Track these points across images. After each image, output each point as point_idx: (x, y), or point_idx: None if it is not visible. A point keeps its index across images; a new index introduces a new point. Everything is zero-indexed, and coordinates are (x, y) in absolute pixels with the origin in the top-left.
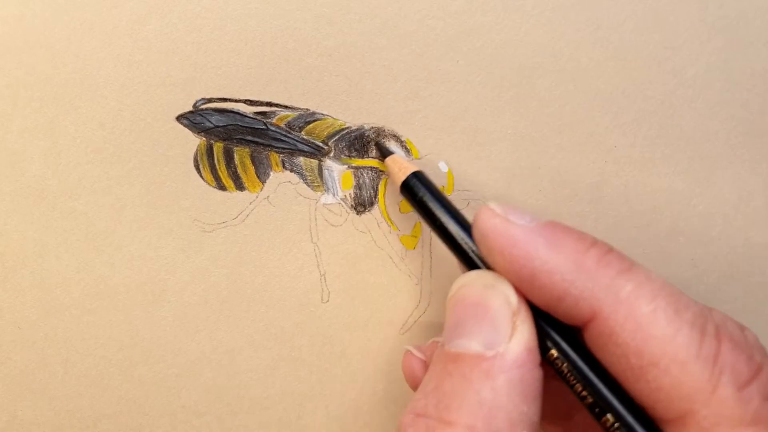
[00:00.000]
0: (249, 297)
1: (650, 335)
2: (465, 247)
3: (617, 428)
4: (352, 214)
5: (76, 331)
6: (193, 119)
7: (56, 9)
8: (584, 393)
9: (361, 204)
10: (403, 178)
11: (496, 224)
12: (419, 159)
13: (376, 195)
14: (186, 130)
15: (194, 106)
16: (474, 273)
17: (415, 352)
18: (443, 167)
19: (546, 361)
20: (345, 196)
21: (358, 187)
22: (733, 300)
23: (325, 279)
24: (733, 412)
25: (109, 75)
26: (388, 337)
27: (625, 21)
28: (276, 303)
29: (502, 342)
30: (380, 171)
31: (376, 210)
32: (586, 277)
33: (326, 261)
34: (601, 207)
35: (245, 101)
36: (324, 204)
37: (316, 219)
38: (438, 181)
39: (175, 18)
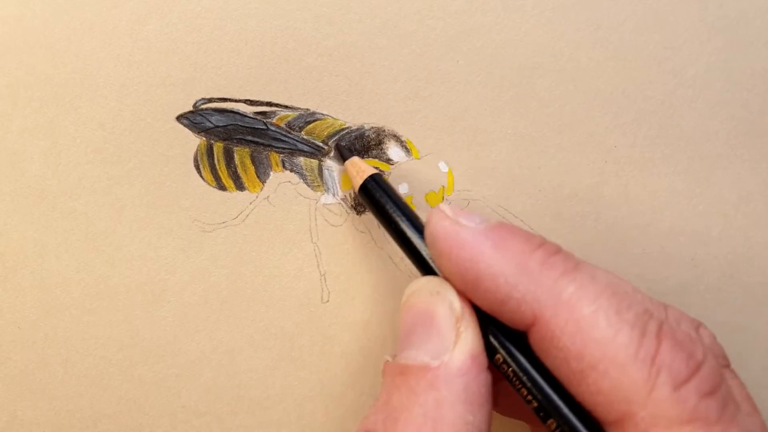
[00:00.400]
0: (249, 297)
1: (590, 338)
2: (420, 251)
3: None
4: (352, 214)
5: (76, 331)
6: (193, 119)
7: (56, 9)
8: (529, 397)
9: (361, 204)
10: (360, 181)
11: (446, 227)
12: (419, 159)
13: None
14: (186, 130)
15: (194, 106)
16: (423, 279)
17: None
18: (443, 167)
19: (494, 365)
20: (345, 196)
21: None
22: (733, 300)
23: (325, 279)
24: (669, 411)
25: (109, 75)
26: (388, 337)
27: (625, 21)
28: (276, 303)
29: (447, 351)
30: (380, 171)
31: None
32: (528, 279)
33: (326, 261)
34: (601, 207)
35: (245, 101)
36: (324, 204)
37: (316, 219)
38: (438, 181)
39: (175, 18)
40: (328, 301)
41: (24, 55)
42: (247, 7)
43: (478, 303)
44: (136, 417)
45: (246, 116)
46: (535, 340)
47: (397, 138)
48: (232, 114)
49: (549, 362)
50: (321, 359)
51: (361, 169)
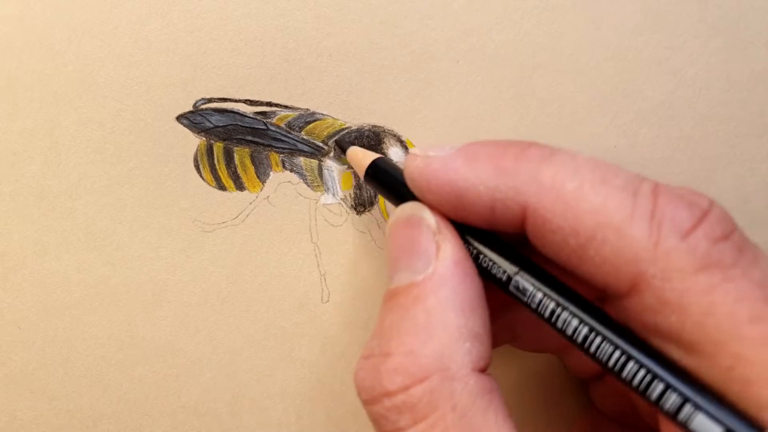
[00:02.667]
0: (249, 297)
1: (580, 211)
2: None
3: (565, 321)
4: (352, 214)
5: (76, 331)
6: (193, 119)
7: (56, 9)
8: (522, 297)
9: (361, 204)
10: (365, 165)
11: (417, 164)
12: None
13: (376, 195)
14: (186, 130)
15: (194, 106)
16: (399, 208)
17: None
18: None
19: (483, 274)
20: (345, 196)
21: (358, 187)
22: None
23: (325, 279)
24: (680, 262)
25: (109, 75)
26: None
27: (625, 21)
28: (276, 303)
29: (430, 264)
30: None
31: (376, 210)
32: (507, 177)
33: (326, 261)
34: None
35: (245, 101)
36: (324, 204)
37: (316, 219)
38: None
39: (175, 18)
40: (328, 301)
41: (24, 55)
42: (247, 7)
43: (473, 222)
44: (136, 417)
45: (246, 116)
46: (532, 235)
47: (397, 138)
48: (232, 114)
49: (551, 251)
50: (321, 359)
51: (364, 155)
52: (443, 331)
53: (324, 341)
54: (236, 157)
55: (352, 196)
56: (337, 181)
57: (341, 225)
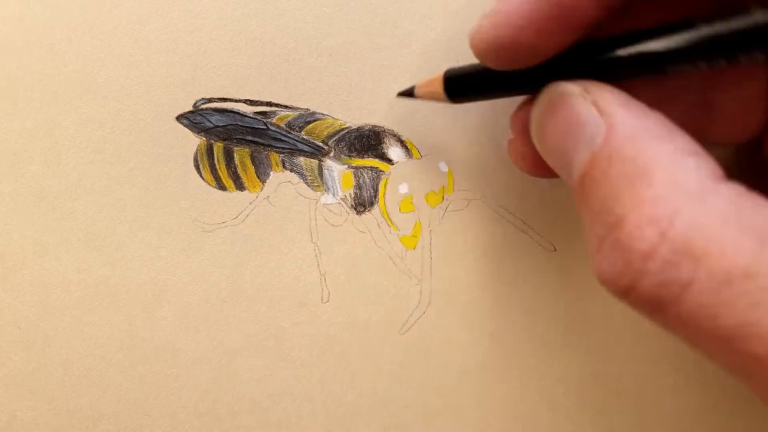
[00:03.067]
0: (249, 297)
1: None
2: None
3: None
4: (352, 214)
5: (76, 331)
6: (193, 119)
7: (56, 9)
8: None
9: (361, 204)
10: (441, 84)
11: (488, 30)
12: (419, 159)
13: (376, 195)
14: (186, 130)
15: (194, 106)
16: (538, 102)
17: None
18: (443, 167)
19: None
20: (345, 196)
21: (358, 187)
22: None
23: (325, 279)
24: None
25: (109, 75)
26: (388, 337)
27: None
28: (276, 303)
29: (600, 124)
30: (380, 171)
31: (376, 210)
32: None
33: (326, 261)
34: None
35: (245, 101)
36: (324, 204)
37: (316, 219)
38: (438, 181)
39: (175, 18)
40: (328, 301)
41: (24, 55)
42: (247, 7)
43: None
44: (136, 417)
45: (246, 116)
46: None
47: (397, 138)
48: (232, 114)
49: None
50: (321, 359)
51: (429, 81)
52: (660, 165)
53: (324, 341)
54: (236, 157)
55: (352, 196)
56: (337, 181)
57: (341, 225)
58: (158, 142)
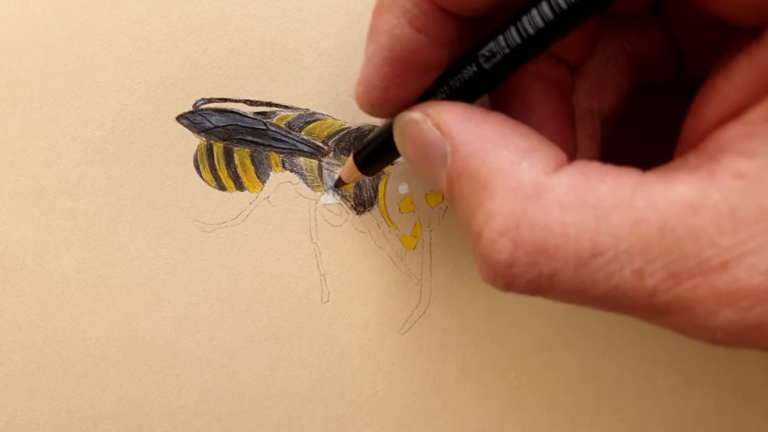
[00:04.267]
0: (249, 297)
1: None
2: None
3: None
4: (352, 214)
5: (76, 331)
6: (193, 119)
7: (56, 9)
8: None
9: (361, 204)
10: (354, 170)
11: (356, 96)
12: None
13: (376, 195)
14: (186, 130)
15: (194, 106)
16: (398, 121)
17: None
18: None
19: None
20: (345, 196)
21: (358, 187)
22: None
23: (325, 279)
24: None
25: (109, 75)
26: (388, 337)
27: None
28: (276, 303)
29: (445, 144)
30: (380, 171)
31: (376, 210)
32: None
33: (326, 261)
34: None
35: (245, 101)
36: (324, 204)
37: (316, 219)
38: None
39: (175, 18)
40: (328, 301)
41: (24, 55)
42: (247, 7)
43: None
44: (136, 417)
45: (246, 116)
46: None
47: None
48: (232, 114)
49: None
50: (321, 359)
51: (346, 169)
52: (498, 175)
53: (324, 341)
54: (236, 157)
55: (352, 196)
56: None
57: (341, 225)
58: (158, 142)
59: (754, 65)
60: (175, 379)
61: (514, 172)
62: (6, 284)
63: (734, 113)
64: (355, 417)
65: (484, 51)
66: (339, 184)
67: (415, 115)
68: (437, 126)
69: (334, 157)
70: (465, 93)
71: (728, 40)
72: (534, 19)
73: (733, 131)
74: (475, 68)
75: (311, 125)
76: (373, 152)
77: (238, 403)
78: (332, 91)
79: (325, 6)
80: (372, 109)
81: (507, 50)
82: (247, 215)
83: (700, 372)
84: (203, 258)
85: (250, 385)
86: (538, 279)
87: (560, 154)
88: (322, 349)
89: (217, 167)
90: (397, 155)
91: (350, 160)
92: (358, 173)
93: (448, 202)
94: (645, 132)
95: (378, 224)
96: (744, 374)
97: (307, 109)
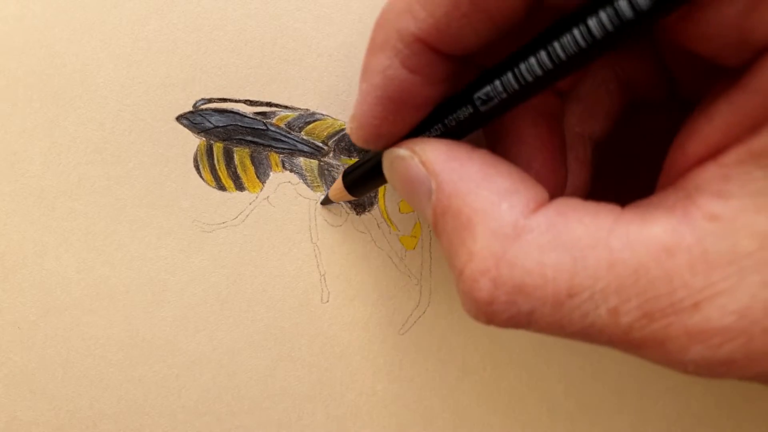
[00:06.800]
0: (249, 297)
1: None
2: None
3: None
4: (352, 214)
5: (76, 331)
6: (193, 119)
7: (56, 9)
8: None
9: (361, 204)
10: (343, 189)
11: (350, 130)
12: None
13: (376, 195)
14: (186, 130)
15: (194, 106)
16: (385, 160)
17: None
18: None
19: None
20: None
21: None
22: None
23: (325, 279)
24: None
25: (109, 75)
26: (388, 337)
27: None
28: (276, 303)
29: (430, 182)
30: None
31: (376, 210)
32: None
33: (326, 261)
34: None
35: (245, 101)
36: (323, 204)
37: (316, 219)
38: None
39: (175, 18)
40: (327, 301)
41: (24, 55)
42: (247, 7)
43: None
44: (136, 417)
45: (246, 116)
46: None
47: None
48: (232, 114)
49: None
50: (321, 359)
51: (335, 188)
52: (479, 216)
53: (324, 341)
54: (236, 157)
55: None
56: None
57: (341, 225)
58: (158, 142)
59: (732, 107)
60: (175, 379)
61: (495, 212)
62: (6, 284)
63: (712, 154)
64: (355, 417)
65: (481, 94)
66: (326, 201)
67: (402, 152)
68: (423, 164)
69: (334, 157)
70: (458, 131)
71: (717, 71)
72: (532, 68)
73: (710, 172)
74: (471, 110)
75: (311, 125)
76: (363, 176)
77: (238, 403)
78: (332, 91)
79: (325, 6)
80: (365, 144)
81: (504, 95)
82: (247, 215)
83: None
84: (203, 258)
85: (250, 385)
86: (517, 316)
87: (541, 193)
88: (322, 349)
89: (217, 167)
90: (385, 181)
91: (339, 180)
92: (345, 193)
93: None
94: (635, 151)
95: (378, 224)
96: None
97: (307, 109)
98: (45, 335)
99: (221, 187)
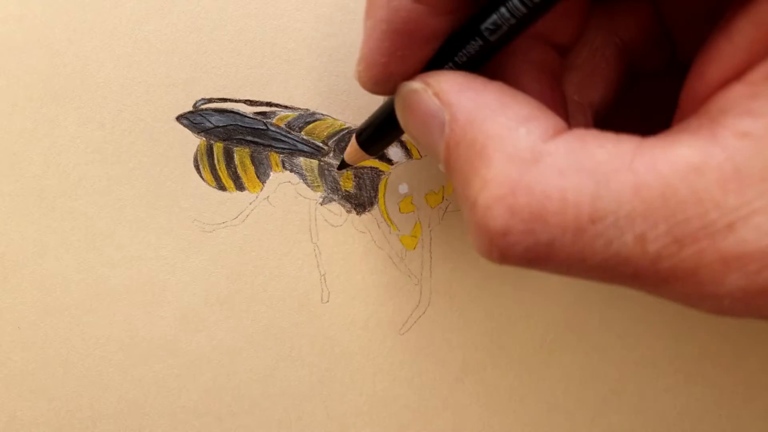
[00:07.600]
0: (249, 297)
1: None
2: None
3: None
4: (352, 214)
5: (76, 331)
6: (193, 119)
7: (56, 9)
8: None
9: (361, 204)
10: (357, 150)
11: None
12: (419, 159)
13: (376, 195)
14: (186, 130)
15: (194, 106)
16: (395, 103)
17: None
18: (443, 167)
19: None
20: (345, 196)
21: (358, 187)
22: None
23: (325, 279)
24: None
25: (109, 75)
26: (388, 337)
27: None
28: (276, 303)
29: (444, 113)
30: (380, 171)
31: (376, 210)
32: None
33: (326, 261)
34: None
35: (245, 101)
36: (324, 204)
37: (316, 219)
38: (438, 181)
39: (175, 18)
40: (328, 301)
41: (24, 55)
42: (247, 7)
43: None
44: (136, 417)
45: (246, 116)
46: None
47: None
48: (232, 114)
49: None
50: (321, 359)
51: (349, 150)
52: (494, 142)
53: (324, 341)
54: (236, 157)
55: (352, 196)
56: (337, 181)
57: (341, 225)
58: (158, 142)
59: (755, 24)
60: (175, 379)
61: (512, 138)
62: (6, 284)
63: (737, 74)
64: (355, 417)
65: (488, 24)
66: (343, 166)
67: (415, 84)
68: (437, 95)
69: (334, 157)
70: (469, 66)
71: (720, 16)
72: None
73: (736, 92)
74: (480, 42)
75: (311, 125)
76: (376, 130)
77: (238, 403)
78: (332, 91)
79: (325, 6)
80: (374, 87)
81: (513, 21)
82: (247, 215)
83: (700, 372)
84: (203, 258)
85: (250, 385)
86: (535, 248)
87: (559, 122)
88: (322, 349)
89: (217, 167)
90: (400, 133)
91: (353, 140)
92: (361, 153)
93: (446, 175)
94: (637, 121)
95: (378, 224)
96: (744, 374)
97: (307, 109)
98: (45, 335)
99: (221, 187)
